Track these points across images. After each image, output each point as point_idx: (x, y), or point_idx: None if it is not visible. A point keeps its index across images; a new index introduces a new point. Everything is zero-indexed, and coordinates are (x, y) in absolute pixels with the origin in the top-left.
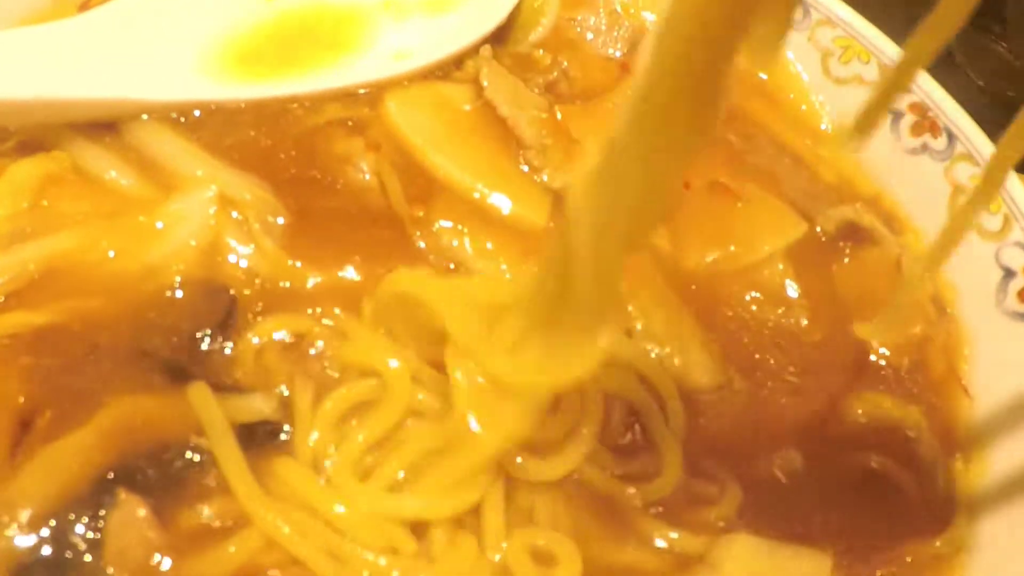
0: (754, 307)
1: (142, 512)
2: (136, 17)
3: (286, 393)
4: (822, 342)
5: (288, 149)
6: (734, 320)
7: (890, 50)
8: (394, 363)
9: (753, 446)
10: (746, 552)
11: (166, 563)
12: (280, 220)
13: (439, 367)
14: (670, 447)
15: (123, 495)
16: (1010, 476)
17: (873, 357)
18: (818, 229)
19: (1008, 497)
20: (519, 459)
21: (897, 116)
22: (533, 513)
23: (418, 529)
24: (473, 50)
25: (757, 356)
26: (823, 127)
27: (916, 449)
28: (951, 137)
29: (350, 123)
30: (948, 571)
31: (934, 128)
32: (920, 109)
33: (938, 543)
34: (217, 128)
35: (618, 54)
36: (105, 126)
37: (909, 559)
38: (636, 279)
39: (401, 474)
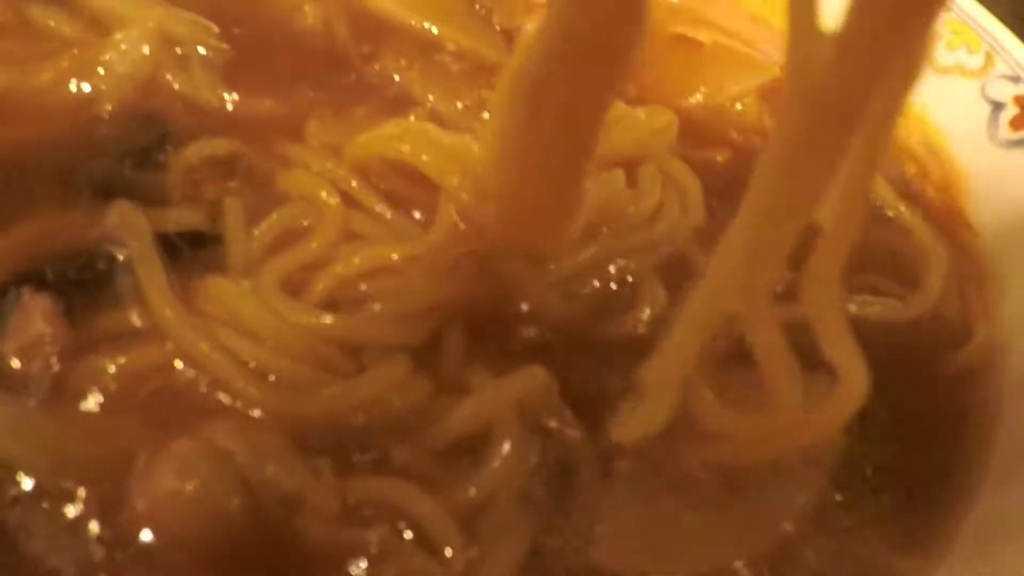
0: (736, 135)
1: (44, 307)
2: None
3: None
4: None
5: (235, 2)
6: (708, 155)
7: None
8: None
9: None
10: None
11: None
12: (223, 56)
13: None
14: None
15: (27, 294)
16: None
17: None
18: None
19: None
20: None
21: None
22: None
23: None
24: None
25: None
26: None
27: (921, 274)
28: None
29: None
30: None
31: None
32: None
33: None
34: None
35: None
36: None
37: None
38: None
39: None
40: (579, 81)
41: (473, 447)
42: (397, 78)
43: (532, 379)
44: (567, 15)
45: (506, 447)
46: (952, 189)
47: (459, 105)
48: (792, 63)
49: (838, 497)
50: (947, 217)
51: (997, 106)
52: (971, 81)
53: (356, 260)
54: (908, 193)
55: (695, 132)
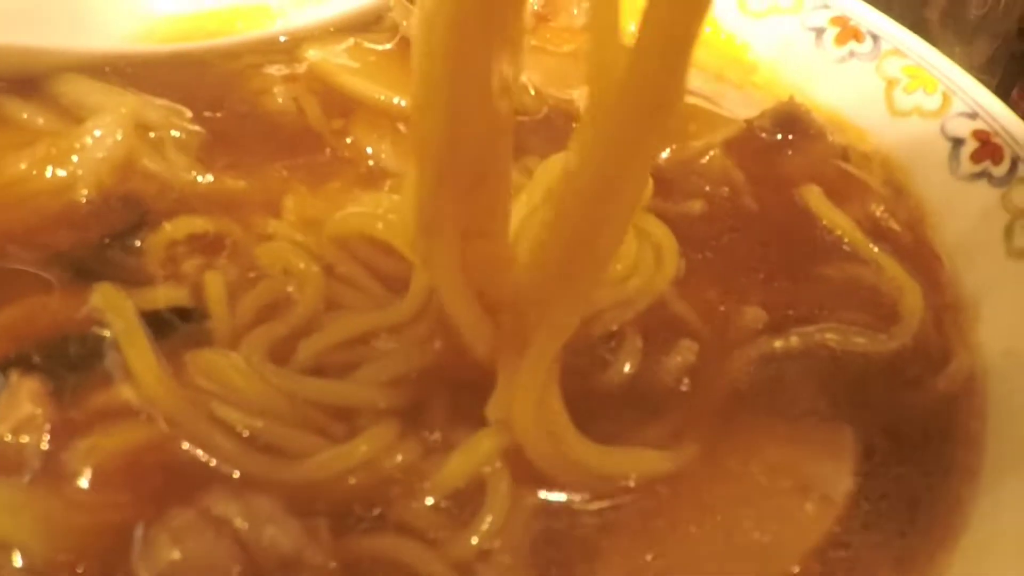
0: (707, 187)
1: (31, 389)
2: None
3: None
4: (777, 222)
5: (206, 87)
6: (684, 208)
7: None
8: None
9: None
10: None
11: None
12: (197, 138)
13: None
14: None
15: (15, 377)
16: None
17: (835, 234)
18: (756, 123)
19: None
20: None
21: (819, 32)
22: None
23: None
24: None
25: (714, 239)
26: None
27: (898, 306)
28: (875, 38)
29: (268, 68)
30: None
31: (857, 34)
32: (841, 21)
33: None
34: (135, 75)
35: (535, 6)
36: (25, 81)
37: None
38: None
39: None
40: None
41: (469, 499)
42: (370, 151)
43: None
44: None
45: (500, 496)
46: (919, 225)
47: None
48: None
49: (837, 530)
50: (917, 251)
51: (957, 142)
52: (930, 120)
53: (338, 328)
54: (877, 231)
55: (668, 187)
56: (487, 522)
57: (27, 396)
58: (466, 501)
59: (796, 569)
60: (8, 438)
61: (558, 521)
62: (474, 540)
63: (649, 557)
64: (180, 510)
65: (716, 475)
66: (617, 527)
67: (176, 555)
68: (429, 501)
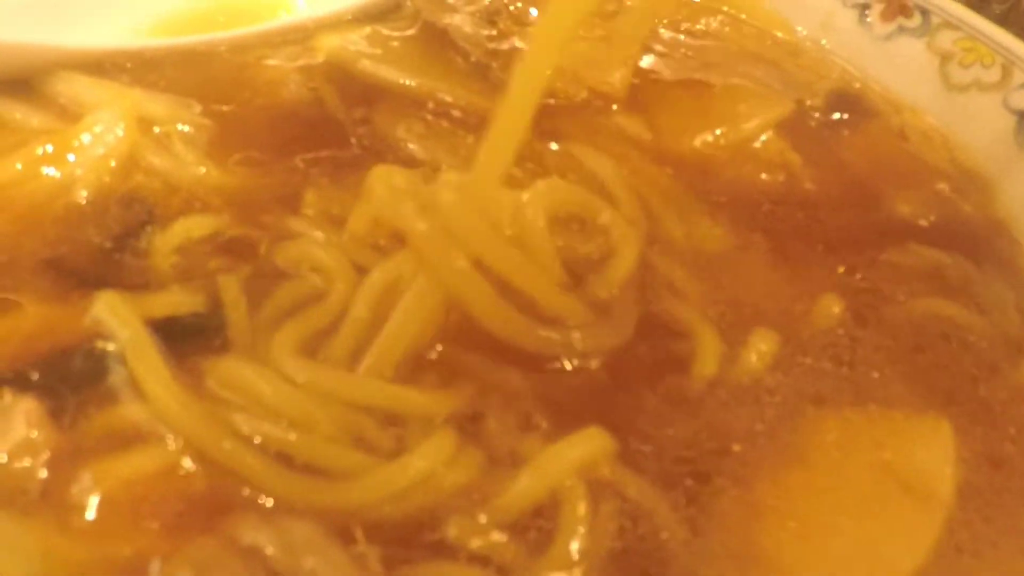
0: (763, 175)
1: (28, 410)
2: None
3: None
4: (839, 204)
5: (216, 80)
6: (741, 193)
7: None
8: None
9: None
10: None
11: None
12: (206, 132)
13: None
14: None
15: (9, 397)
16: None
17: (900, 216)
18: (808, 103)
19: None
20: None
21: (863, 8)
22: None
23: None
24: None
25: (774, 220)
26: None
27: (973, 290)
28: (924, 12)
29: (283, 59)
30: None
31: (904, 9)
32: None
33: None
34: (140, 72)
35: None
36: (20, 81)
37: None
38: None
39: None
40: None
41: (539, 520)
42: (397, 140)
43: (590, 441)
44: None
45: (578, 515)
46: (990, 204)
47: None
48: None
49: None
50: (988, 231)
51: (1022, 116)
52: (990, 94)
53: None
54: (946, 212)
55: (723, 170)
56: (566, 546)
57: (23, 417)
58: (535, 520)
59: None
60: (2, 463)
61: (640, 535)
62: (551, 569)
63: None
64: (203, 541)
65: (809, 481)
66: (707, 537)
67: None
68: (494, 524)
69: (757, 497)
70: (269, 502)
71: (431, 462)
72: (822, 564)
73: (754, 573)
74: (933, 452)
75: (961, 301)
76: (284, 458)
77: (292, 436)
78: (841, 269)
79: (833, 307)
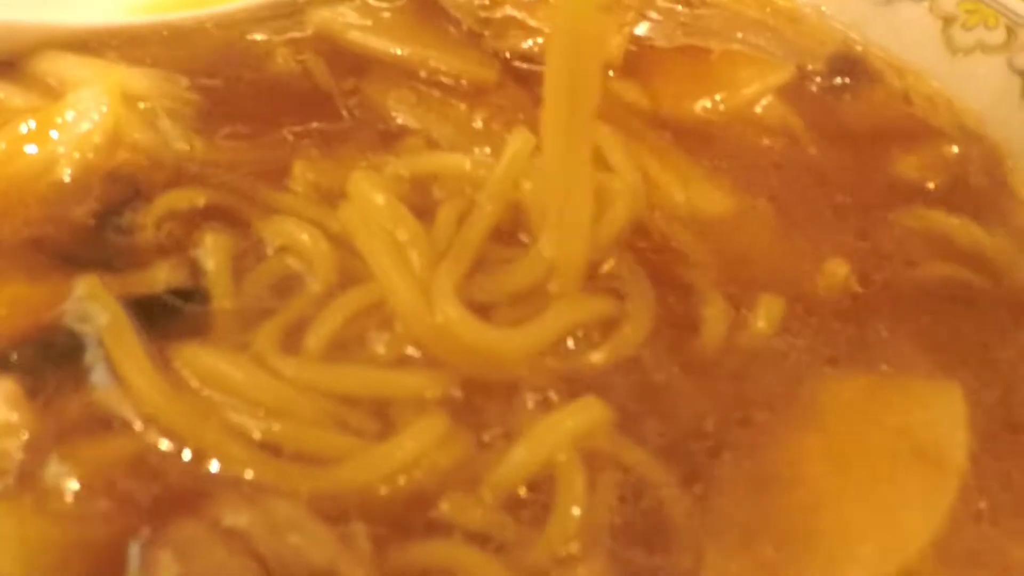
0: (765, 140)
1: (7, 391)
2: None
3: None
4: (844, 169)
5: (203, 56)
6: (742, 158)
7: None
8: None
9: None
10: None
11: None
12: (193, 107)
13: None
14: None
15: None
16: None
17: (906, 179)
18: (809, 68)
19: None
20: None
21: None
22: None
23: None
24: None
25: (777, 185)
26: None
27: (981, 252)
28: None
29: (270, 32)
30: None
31: None
32: None
33: None
34: (126, 49)
35: None
36: (4, 63)
37: None
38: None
39: None
40: None
41: (534, 492)
42: (388, 110)
43: (587, 411)
44: None
45: (576, 488)
46: (997, 168)
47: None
48: None
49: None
50: (995, 194)
51: None
52: (995, 56)
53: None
54: (952, 176)
55: (724, 135)
56: (564, 519)
57: (2, 399)
58: (531, 495)
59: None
60: None
61: (643, 508)
62: (546, 547)
63: (758, 546)
64: (184, 522)
65: (820, 448)
66: (714, 508)
67: (180, 573)
68: (488, 500)
69: (765, 466)
70: (250, 476)
71: (422, 442)
72: (835, 533)
73: (762, 544)
74: (945, 417)
75: (969, 264)
76: (273, 447)
77: (276, 426)
78: (847, 233)
79: (839, 270)
